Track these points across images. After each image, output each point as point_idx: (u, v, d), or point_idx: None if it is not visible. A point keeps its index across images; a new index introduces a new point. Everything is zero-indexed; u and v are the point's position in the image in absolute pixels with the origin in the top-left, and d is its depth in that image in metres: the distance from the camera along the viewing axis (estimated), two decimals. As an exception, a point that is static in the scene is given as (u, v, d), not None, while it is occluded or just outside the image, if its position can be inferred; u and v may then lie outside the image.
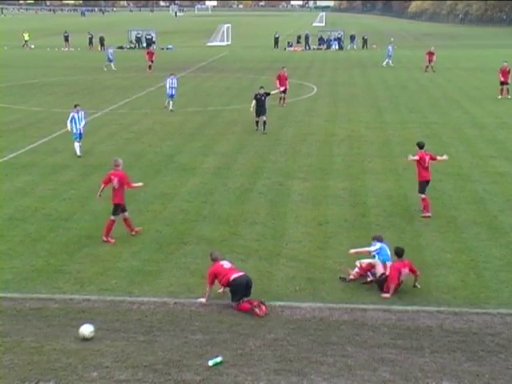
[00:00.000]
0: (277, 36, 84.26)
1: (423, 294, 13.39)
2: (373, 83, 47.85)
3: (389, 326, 12.06)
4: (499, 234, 16.79)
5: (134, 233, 16.88)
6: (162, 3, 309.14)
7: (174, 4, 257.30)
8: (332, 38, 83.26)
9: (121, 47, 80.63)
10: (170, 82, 34.86)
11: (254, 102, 29.23)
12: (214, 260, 13.36)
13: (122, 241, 16.36)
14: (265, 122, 29.28)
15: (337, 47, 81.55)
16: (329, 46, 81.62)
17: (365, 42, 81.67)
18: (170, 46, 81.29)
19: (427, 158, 18.25)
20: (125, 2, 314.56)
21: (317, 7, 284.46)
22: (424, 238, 16.52)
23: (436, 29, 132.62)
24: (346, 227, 17.35)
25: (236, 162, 24.32)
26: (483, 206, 19.04)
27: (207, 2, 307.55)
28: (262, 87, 30.10)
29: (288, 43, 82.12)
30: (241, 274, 12.97)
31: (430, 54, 54.63)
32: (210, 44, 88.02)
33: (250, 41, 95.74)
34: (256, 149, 26.38)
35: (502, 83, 38.77)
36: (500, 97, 38.69)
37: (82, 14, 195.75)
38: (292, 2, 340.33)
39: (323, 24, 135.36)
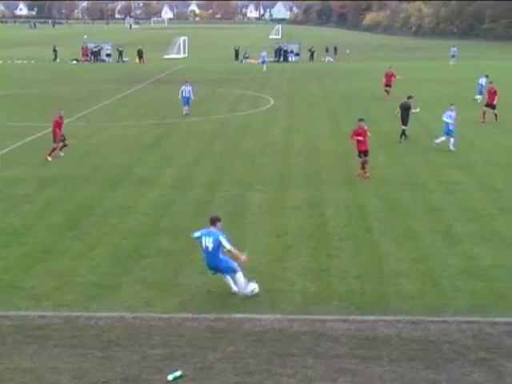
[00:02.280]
0: (237, 48, 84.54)
1: (382, 304, 13.49)
2: (329, 94, 48.30)
3: (348, 336, 12.11)
4: (455, 242, 17.04)
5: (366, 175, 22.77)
6: (117, 16, 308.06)
7: (130, 17, 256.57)
8: (289, 50, 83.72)
9: (76, 60, 79.96)
10: (185, 90, 37.16)
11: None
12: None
13: (79, 255, 16.12)
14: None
15: (293, 59, 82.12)
16: (285, 59, 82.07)
17: (312, 53, 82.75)
18: (125, 59, 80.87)
19: None
20: (79, 14, 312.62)
21: (273, 20, 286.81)
22: (382, 248, 16.66)
23: (390, 41, 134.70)
24: (305, 238, 17.40)
25: (195, 174, 24.25)
26: (439, 215, 19.30)
27: (163, 15, 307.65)
28: (410, 97, 30.61)
29: (244, 55, 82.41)
30: None
31: (388, 76, 45.62)
32: (166, 57, 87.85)
33: (207, 53, 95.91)
34: (214, 161, 26.35)
35: (488, 105, 35.09)
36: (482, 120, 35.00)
37: (31, 26, 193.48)
38: (248, 15, 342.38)
39: (279, 36, 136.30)
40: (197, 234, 13.77)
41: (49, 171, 24.46)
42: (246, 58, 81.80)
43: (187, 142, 30.19)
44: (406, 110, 29.90)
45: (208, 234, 13.48)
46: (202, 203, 20.45)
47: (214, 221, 13.69)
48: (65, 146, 27.16)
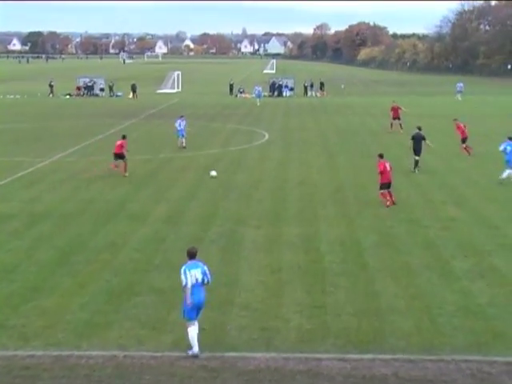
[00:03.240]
0: (231, 83, 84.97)
1: (378, 341, 13.24)
2: (323, 129, 48.42)
3: (344, 375, 11.85)
4: (452, 279, 16.84)
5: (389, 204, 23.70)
6: (111, 50, 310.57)
7: (124, 51, 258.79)
8: (283, 84, 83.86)
9: (69, 94, 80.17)
10: (180, 124, 37.76)
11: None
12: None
13: (69, 292, 15.85)
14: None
15: (288, 94, 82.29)
16: (280, 93, 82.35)
17: (305, 88, 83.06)
18: (119, 94, 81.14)
19: None
20: (73, 49, 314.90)
21: (267, 54, 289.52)
22: (378, 284, 16.44)
23: (384, 76, 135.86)
24: (300, 274, 17.18)
25: (188, 209, 24.07)
26: (435, 251, 19.13)
27: (157, 50, 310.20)
28: (420, 128, 31.58)
29: (239, 90, 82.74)
30: None
31: (395, 109, 46.43)
32: (160, 91, 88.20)
33: (201, 88, 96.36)
34: (208, 195, 26.20)
35: (464, 141, 35.79)
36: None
37: (20, 61, 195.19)
38: (243, 50, 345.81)
39: (274, 71, 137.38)
40: (184, 276, 12.79)
41: (40, 206, 24.23)
42: (241, 92, 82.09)
43: (180, 176, 30.07)
44: (418, 140, 30.99)
45: (195, 266, 12.90)
46: (195, 239, 20.20)
47: (194, 254, 13.12)
48: (116, 166, 30.11)
